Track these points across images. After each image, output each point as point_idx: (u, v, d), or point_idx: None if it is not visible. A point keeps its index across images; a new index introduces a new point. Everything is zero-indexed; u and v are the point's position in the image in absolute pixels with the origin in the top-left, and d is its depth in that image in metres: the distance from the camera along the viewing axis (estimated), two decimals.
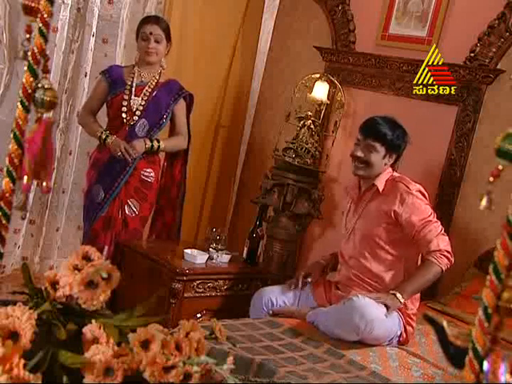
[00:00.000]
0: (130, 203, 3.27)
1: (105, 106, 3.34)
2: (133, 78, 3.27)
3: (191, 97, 3.43)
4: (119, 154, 3.14)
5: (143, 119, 3.25)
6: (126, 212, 3.27)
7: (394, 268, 2.60)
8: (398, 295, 2.48)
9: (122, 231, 3.27)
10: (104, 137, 3.19)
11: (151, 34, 3.20)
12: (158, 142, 3.27)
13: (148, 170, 3.30)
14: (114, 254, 3.24)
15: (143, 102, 3.25)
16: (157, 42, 3.22)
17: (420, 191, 2.60)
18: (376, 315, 2.40)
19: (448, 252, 2.52)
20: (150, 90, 3.27)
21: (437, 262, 2.50)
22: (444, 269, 2.52)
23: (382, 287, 2.58)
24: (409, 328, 2.55)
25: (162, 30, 3.24)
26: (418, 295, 2.65)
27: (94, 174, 3.29)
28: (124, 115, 3.23)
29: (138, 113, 3.24)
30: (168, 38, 3.28)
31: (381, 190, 2.62)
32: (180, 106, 3.37)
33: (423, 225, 2.52)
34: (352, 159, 2.66)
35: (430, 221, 2.54)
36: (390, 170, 2.69)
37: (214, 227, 3.32)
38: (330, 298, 2.71)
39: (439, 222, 2.58)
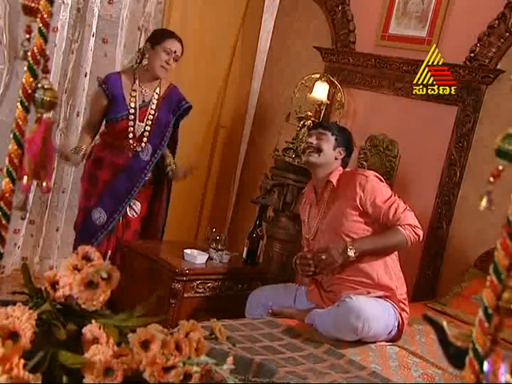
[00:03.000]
0: (131, 204, 3.25)
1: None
2: (135, 97, 3.16)
3: (189, 108, 3.35)
4: (61, 157, 3.07)
5: (147, 144, 3.20)
6: (128, 214, 3.25)
7: (372, 258, 2.59)
8: (350, 251, 2.51)
9: (124, 233, 3.26)
10: (76, 150, 3.10)
11: (175, 52, 3.12)
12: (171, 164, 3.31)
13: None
14: (115, 255, 3.23)
15: (148, 128, 3.18)
16: (174, 60, 3.15)
17: (376, 176, 2.66)
18: (372, 313, 2.39)
19: (415, 226, 2.55)
20: (152, 112, 3.19)
21: (403, 231, 2.52)
22: (409, 241, 2.53)
23: (367, 281, 2.57)
24: (404, 314, 2.56)
25: (181, 53, 3.18)
26: (403, 279, 2.65)
27: (92, 193, 3.19)
28: (131, 141, 3.16)
29: (144, 139, 3.18)
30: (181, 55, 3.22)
31: (335, 183, 2.67)
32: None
33: (388, 206, 2.56)
34: (304, 150, 2.80)
35: (394, 200, 2.58)
36: (341, 168, 2.76)
37: (214, 227, 3.32)
38: (324, 298, 2.71)
39: (402, 200, 2.61)
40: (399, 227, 2.53)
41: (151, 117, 3.20)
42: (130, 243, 3.25)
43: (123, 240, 3.25)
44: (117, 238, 3.24)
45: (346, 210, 2.61)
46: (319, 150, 2.72)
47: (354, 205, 2.58)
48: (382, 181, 2.66)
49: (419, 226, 2.56)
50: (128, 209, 3.24)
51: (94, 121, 3.25)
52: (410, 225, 2.53)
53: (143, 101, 3.19)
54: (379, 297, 2.54)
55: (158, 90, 3.23)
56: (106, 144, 3.22)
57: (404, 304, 2.58)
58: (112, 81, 3.16)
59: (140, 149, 3.18)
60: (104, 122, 3.26)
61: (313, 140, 2.75)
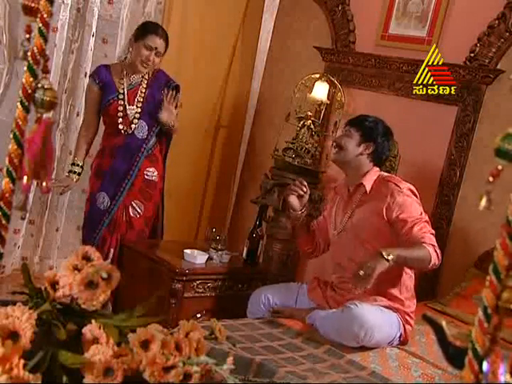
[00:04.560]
0: (133, 205, 3.26)
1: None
2: (123, 84, 3.22)
3: (177, 87, 3.36)
4: (58, 184, 3.21)
5: (140, 120, 3.24)
6: (131, 214, 3.26)
7: (389, 268, 2.57)
8: (385, 253, 2.32)
9: (127, 233, 3.27)
10: (71, 169, 3.24)
11: (156, 49, 3.14)
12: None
13: (151, 170, 3.30)
14: (118, 256, 3.24)
15: (139, 110, 3.23)
16: (156, 56, 3.18)
17: (410, 190, 2.56)
18: (375, 323, 2.37)
19: (439, 251, 2.44)
20: (142, 95, 3.24)
21: (428, 248, 2.40)
22: (431, 260, 2.39)
23: (378, 288, 2.54)
24: (408, 327, 2.54)
25: (165, 47, 3.19)
26: (413, 292, 2.63)
27: (96, 182, 3.27)
28: (121, 126, 3.21)
29: (135, 121, 3.22)
30: (165, 51, 3.24)
31: (368, 189, 2.60)
32: None
33: (414, 222, 2.45)
34: (332, 147, 2.76)
35: (421, 219, 2.49)
36: (377, 169, 2.68)
37: (214, 227, 3.32)
38: (327, 298, 2.70)
39: (429, 223, 2.53)
40: (424, 244, 2.41)
41: (141, 99, 3.25)
42: (130, 243, 3.25)
43: (127, 240, 3.26)
44: (120, 236, 3.25)
45: (372, 216, 2.55)
46: (340, 148, 2.67)
47: (381, 213, 2.52)
48: (415, 195, 2.56)
49: (439, 253, 2.45)
50: (131, 209, 3.26)
51: (90, 117, 3.31)
52: (434, 246, 2.42)
53: (130, 84, 3.25)
54: (385, 306, 2.51)
55: (146, 76, 3.28)
56: (106, 135, 3.30)
57: (410, 317, 2.55)
58: (101, 70, 3.27)
59: (131, 130, 3.23)
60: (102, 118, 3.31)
61: (338, 138, 2.73)
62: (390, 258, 2.33)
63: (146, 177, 3.28)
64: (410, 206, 2.50)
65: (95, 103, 3.26)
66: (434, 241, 2.45)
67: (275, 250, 3.74)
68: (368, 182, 2.62)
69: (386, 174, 2.70)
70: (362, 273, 2.33)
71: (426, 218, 2.53)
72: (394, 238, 2.54)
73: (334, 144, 2.71)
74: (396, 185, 2.55)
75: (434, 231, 2.52)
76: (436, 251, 2.42)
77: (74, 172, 3.23)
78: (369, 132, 2.65)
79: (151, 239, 3.43)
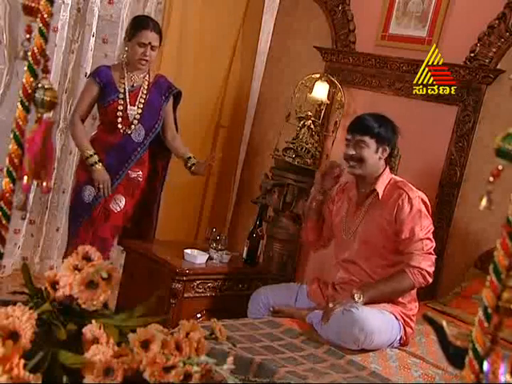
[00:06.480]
0: (115, 198, 3.22)
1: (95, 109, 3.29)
2: (124, 83, 3.20)
3: (179, 94, 3.37)
4: (99, 186, 3.13)
5: (138, 124, 3.21)
6: (111, 207, 3.22)
7: (388, 270, 2.56)
8: (356, 296, 2.43)
9: (102, 226, 3.19)
10: (92, 162, 3.13)
11: (150, 43, 3.13)
12: (190, 158, 3.32)
13: (136, 170, 3.26)
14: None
15: (139, 111, 3.21)
16: (152, 50, 3.16)
17: (422, 199, 2.54)
18: (376, 326, 2.37)
19: (427, 272, 2.47)
20: (144, 96, 3.22)
21: (411, 277, 2.46)
22: (416, 285, 2.50)
23: None
24: (408, 329, 2.53)
25: (159, 39, 3.18)
26: (415, 295, 2.63)
27: (83, 174, 3.22)
28: (120, 126, 3.18)
29: (135, 122, 3.20)
30: (160, 42, 3.23)
31: (380, 195, 2.58)
32: (169, 105, 3.35)
33: (412, 237, 2.47)
34: (345, 160, 2.62)
35: (424, 237, 2.49)
36: (388, 171, 2.66)
37: (214, 227, 3.32)
38: (327, 298, 2.69)
39: (432, 240, 2.53)
40: (408, 272, 2.46)
41: (142, 100, 3.23)
42: (130, 243, 3.25)
43: (100, 234, 3.19)
44: (95, 228, 3.19)
45: (382, 222, 2.55)
46: (361, 161, 2.56)
47: (390, 221, 2.52)
48: (426, 205, 2.55)
49: (431, 272, 2.49)
50: (112, 202, 3.22)
51: (84, 111, 3.24)
52: (419, 268, 2.46)
53: (132, 85, 3.23)
54: (387, 309, 2.51)
55: (147, 77, 3.27)
56: (100, 130, 3.28)
57: (411, 320, 2.55)
58: (102, 71, 3.23)
59: (130, 131, 3.20)
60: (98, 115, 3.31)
61: (351, 151, 2.56)
62: (360, 301, 2.43)
63: (131, 176, 3.25)
64: (415, 219, 2.50)
65: (91, 101, 3.22)
66: (425, 262, 2.48)
67: (275, 249, 3.74)
68: (380, 188, 2.59)
69: (398, 178, 2.67)
70: (331, 305, 2.46)
71: (429, 233, 2.52)
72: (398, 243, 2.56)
73: (352, 159, 2.58)
74: (407, 193, 2.53)
75: (433, 244, 2.52)
76: (424, 275, 2.47)
77: (96, 162, 3.13)
78: (382, 136, 2.58)
79: (138, 236, 3.37)
